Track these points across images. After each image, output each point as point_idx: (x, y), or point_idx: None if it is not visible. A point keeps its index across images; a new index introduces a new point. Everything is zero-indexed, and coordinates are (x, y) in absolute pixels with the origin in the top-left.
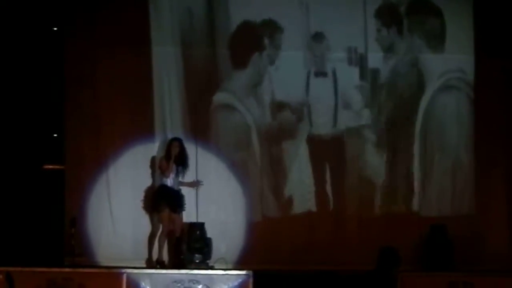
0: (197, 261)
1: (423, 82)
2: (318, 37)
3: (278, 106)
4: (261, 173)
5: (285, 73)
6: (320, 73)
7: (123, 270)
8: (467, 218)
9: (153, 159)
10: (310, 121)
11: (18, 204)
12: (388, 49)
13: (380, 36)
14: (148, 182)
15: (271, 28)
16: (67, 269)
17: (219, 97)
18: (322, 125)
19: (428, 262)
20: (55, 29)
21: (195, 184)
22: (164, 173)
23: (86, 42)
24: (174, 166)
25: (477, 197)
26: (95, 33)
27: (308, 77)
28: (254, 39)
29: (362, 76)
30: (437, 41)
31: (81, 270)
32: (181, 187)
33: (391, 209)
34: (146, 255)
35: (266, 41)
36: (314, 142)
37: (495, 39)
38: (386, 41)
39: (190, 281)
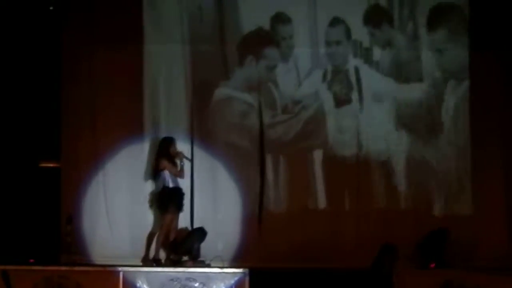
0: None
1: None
2: (335, 22)
3: (278, 104)
4: (258, 171)
5: (294, 71)
6: (338, 71)
7: (120, 268)
8: (465, 218)
9: (148, 160)
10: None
11: (14, 202)
12: (388, 44)
13: (376, 37)
14: (144, 180)
15: (280, 23)
16: (63, 267)
17: (220, 93)
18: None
19: (424, 260)
20: (51, 23)
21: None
22: (178, 174)
23: (84, 41)
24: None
25: (475, 197)
26: (93, 31)
27: (324, 76)
28: (263, 36)
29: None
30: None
31: (77, 268)
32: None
33: (389, 207)
34: (142, 253)
35: (275, 37)
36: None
37: (490, 32)
38: (383, 39)
39: (186, 279)
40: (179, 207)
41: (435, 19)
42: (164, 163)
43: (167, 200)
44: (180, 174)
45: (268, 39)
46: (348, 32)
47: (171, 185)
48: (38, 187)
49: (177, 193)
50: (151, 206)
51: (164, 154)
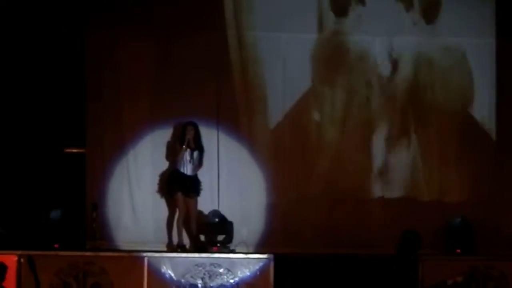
0: (218, 244)
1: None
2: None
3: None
4: (282, 156)
5: None
6: None
7: (144, 254)
8: (485, 203)
9: (168, 144)
10: None
11: (39, 188)
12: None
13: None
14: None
15: None
16: (88, 253)
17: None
18: None
19: (449, 246)
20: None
21: None
22: (175, 157)
23: (108, 26)
24: (188, 151)
25: (495, 182)
26: (117, 16)
27: None
28: None
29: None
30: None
31: (102, 254)
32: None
33: (412, 192)
34: (166, 239)
35: None
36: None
37: None
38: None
39: (211, 264)
40: (184, 191)
41: None
42: (172, 147)
43: (170, 183)
44: (176, 158)
45: None
46: None
47: (184, 170)
48: (63, 173)
49: (180, 176)
50: (158, 191)
51: (177, 139)
